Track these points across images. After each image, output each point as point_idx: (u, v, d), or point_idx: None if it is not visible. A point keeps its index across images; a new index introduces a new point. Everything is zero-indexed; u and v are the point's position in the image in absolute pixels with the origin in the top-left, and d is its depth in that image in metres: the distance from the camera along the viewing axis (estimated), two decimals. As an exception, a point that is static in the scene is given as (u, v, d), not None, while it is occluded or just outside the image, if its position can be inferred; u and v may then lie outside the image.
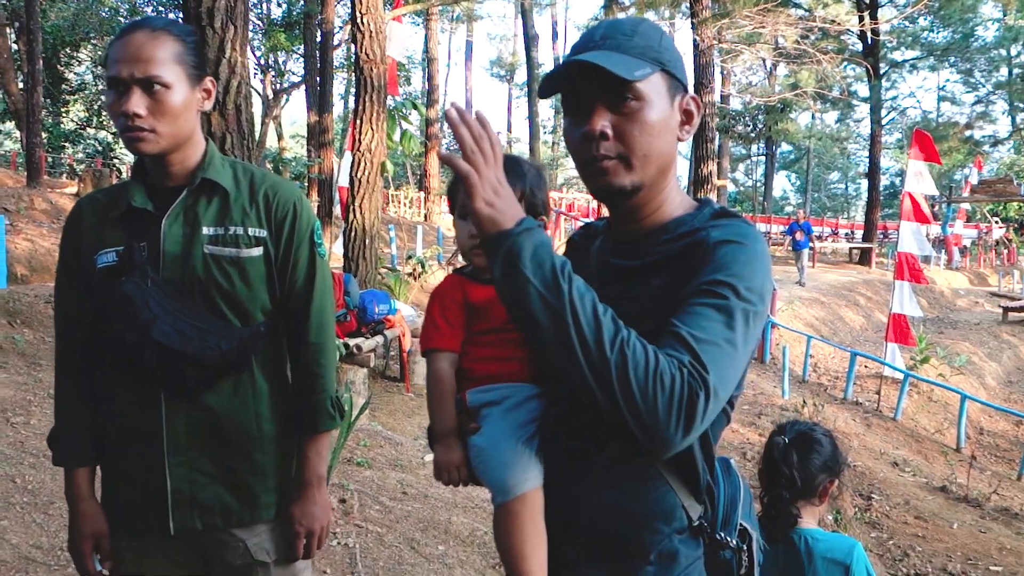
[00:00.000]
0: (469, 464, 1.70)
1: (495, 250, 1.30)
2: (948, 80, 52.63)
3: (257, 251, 1.96)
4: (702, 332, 1.30)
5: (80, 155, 29.61)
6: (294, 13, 27.58)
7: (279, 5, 31.65)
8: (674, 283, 1.40)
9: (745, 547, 1.54)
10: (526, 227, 1.30)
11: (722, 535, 1.51)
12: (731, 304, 1.33)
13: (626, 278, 1.50)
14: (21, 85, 20.54)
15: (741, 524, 1.55)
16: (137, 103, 1.82)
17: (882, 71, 31.60)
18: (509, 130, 58.22)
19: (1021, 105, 44.09)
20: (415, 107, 14.21)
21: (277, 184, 2.05)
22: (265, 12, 30.56)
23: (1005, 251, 37.72)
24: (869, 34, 26.18)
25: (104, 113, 30.88)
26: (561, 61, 1.48)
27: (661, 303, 1.39)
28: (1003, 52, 41.32)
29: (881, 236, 34.94)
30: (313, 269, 2.05)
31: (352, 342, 7.15)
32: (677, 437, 1.26)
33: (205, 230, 1.93)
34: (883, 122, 34.33)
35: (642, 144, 1.43)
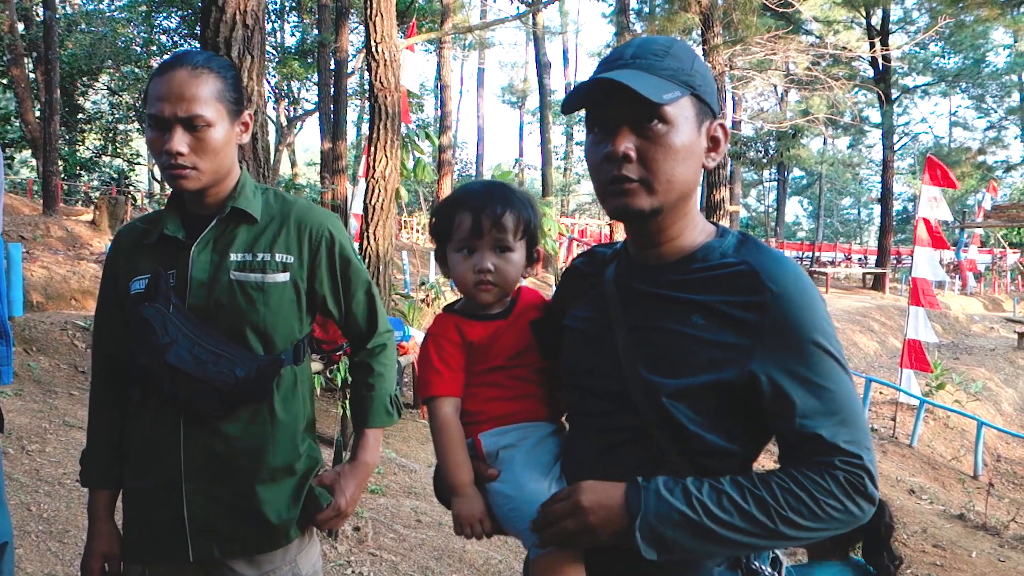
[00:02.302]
0: (492, 514, 1.59)
1: (638, 545, 1.37)
2: (960, 106, 52.64)
3: (283, 276, 1.98)
4: (831, 419, 1.36)
5: (95, 183, 29.89)
6: (308, 42, 27.89)
7: (293, 34, 32.02)
8: (724, 331, 1.39)
9: (776, 574, 1.52)
10: (636, 510, 1.37)
11: (756, 564, 1.49)
12: (836, 370, 1.38)
13: (657, 303, 1.47)
14: (38, 114, 20.79)
15: (772, 552, 1.54)
16: (180, 142, 1.86)
17: (894, 97, 31.66)
18: (521, 156, 58.44)
19: (1033, 130, 44.02)
20: (428, 136, 14.30)
21: (308, 209, 2.07)
22: (279, 41, 30.88)
23: (1020, 276, 37.51)
24: (880, 60, 26.24)
25: (119, 141, 31.24)
26: (588, 77, 1.44)
27: (710, 347, 1.39)
28: (1015, 78, 41.40)
29: (894, 261, 34.80)
30: (369, 286, 2.11)
31: (366, 369, 7.15)
32: (871, 511, 1.37)
33: (233, 256, 1.96)
34: (895, 148, 34.32)
35: (665, 169, 1.39)
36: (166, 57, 1.95)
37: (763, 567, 1.50)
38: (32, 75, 23.77)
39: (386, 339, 2.16)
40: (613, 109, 1.39)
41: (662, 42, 1.43)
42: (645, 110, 1.37)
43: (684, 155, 1.41)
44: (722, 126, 1.48)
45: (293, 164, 36.92)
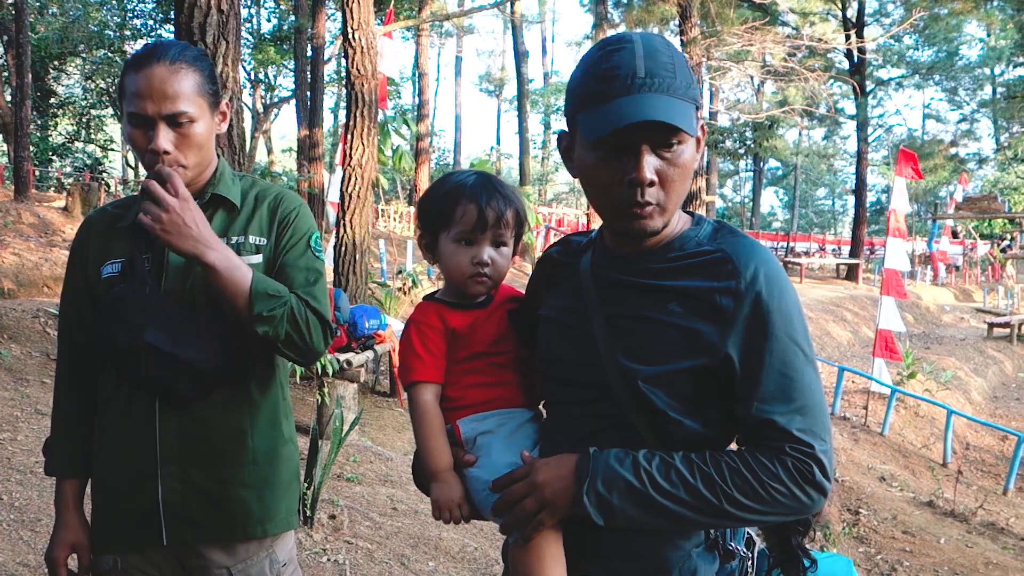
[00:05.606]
0: (470, 499, 1.61)
1: (587, 509, 1.40)
2: (933, 98, 53.05)
3: (257, 259, 1.97)
4: (788, 406, 1.38)
5: (68, 169, 29.50)
6: (285, 28, 27.70)
7: (269, 20, 31.76)
8: (699, 317, 1.41)
9: (751, 554, 1.55)
10: (584, 476, 1.41)
11: (732, 545, 1.51)
12: (800, 359, 1.40)
13: (635, 292, 1.49)
14: (9, 98, 20.49)
15: (747, 533, 1.56)
16: (165, 140, 1.83)
17: (868, 89, 31.88)
18: (498, 144, 58.32)
19: (1005, 124, 44.54)
20: (406, 123, 14.26)
21: (282, 194, 2.07)
22: (255, 26, 30.61)
23: (990, 268, 37.99)
24: (855, 52, 26.41)
25: (92, 127, 30.84)
26: (611, 100, 1.37)
27: (685, 334, 1.42)
28: (987, 71, 41.88)
29: (868, 252, 35.12)
30: (312, 265, 2.00)
31: (342, 357, 7.14)
32: (821, 502, 1.39)
33: None
34: (869, 139, 34.61)
35: (679, 188, 1.42)
36: (137, 50, 1.90)
37: (738, 547, 1.53)
38: (2, 59, 23.42)
39: (320, 305, 1.94)
40: (633, 132, 1.36)
41: (664, 52, 1.39)
42: (668, 133, 1.37)
43: (692, 168, 1.44)
44: (703, 128, 1.49)
45: (269, 151, 36.69)
